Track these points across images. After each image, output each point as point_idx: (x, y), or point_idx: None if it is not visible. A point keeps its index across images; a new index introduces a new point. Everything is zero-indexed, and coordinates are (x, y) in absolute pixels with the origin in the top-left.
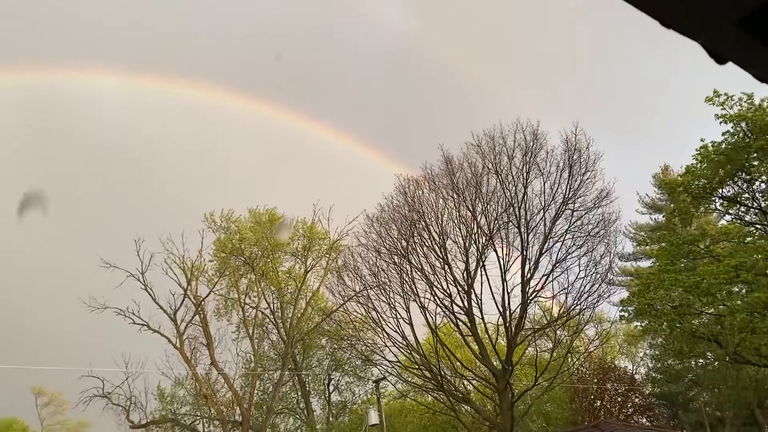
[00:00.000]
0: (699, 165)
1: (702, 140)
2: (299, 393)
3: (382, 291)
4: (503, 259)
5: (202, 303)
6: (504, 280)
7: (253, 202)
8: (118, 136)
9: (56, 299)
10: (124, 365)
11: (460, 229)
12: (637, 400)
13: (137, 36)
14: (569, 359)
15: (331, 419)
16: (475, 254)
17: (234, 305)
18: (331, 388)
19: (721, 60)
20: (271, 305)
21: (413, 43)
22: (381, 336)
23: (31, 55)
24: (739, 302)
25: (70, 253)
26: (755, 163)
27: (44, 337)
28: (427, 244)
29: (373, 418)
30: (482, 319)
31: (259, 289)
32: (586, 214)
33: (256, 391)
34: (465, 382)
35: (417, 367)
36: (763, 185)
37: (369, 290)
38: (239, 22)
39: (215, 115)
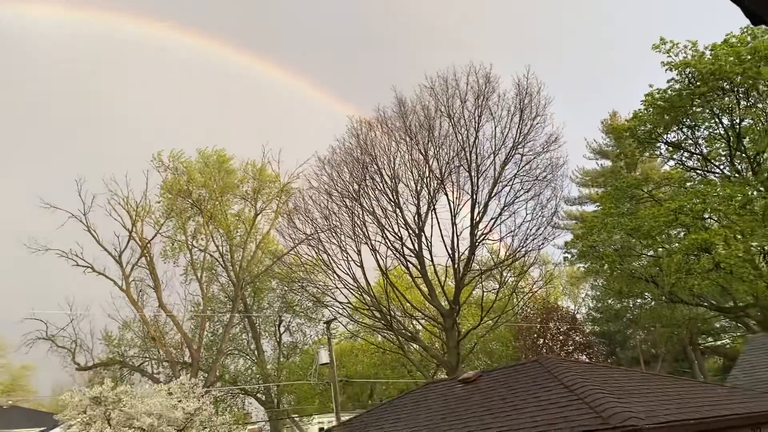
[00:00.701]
0: (645, 111)
1: (650, 86)
2: (249, 334)
3: (334, 234)
4: (454, 203)
5: (148, 245)
6: (454, 224)
7: (202, 143)
8: (56, 72)
9: None
10: (68, 307)
11: (412, 173)
12: (577, 338)
13: None
14: (514, 299)
15: (281, 359)
16: (427, 198)
17: (181, 247)
18: (282, 329)
19: (756, 20)
20: (220, 248)
21: None
22: (332, 278)
23: None
24: (676, 244)
25: (6, 192)
26: (698, 109)
27: None
28: (378, 187)
29: (324, 357)
30: (432, 261)
31: (208, 232)
32: (534, 158)
33: (206, 333)
34: (414, 322)
35: (367, 308)
36: (705, 132)
37: (320, 233)
38: None
39: (161, 52)
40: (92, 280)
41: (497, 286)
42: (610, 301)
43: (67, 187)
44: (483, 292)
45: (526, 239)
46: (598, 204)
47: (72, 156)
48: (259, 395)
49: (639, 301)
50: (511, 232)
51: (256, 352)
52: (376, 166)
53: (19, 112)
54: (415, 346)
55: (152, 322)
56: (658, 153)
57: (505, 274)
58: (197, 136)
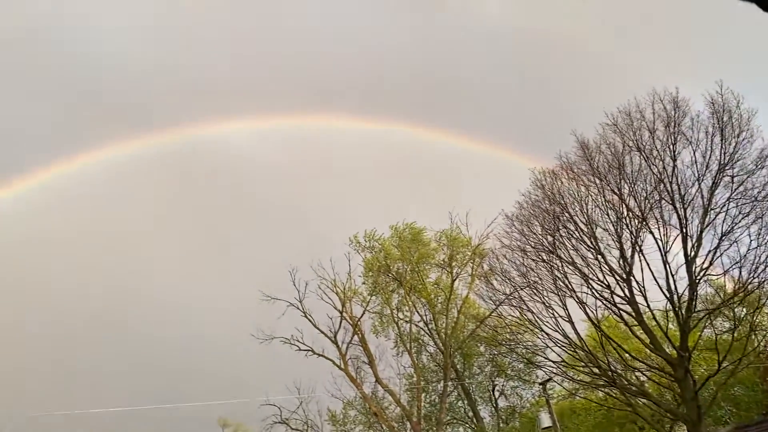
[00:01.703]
0: None
1: None
2: (465, 402)
3: (535, 290)
4: (662, 240)
5: (359, 323)
6: (666, 262)
7: (392, 219)
8: (257, 174)
9: (224, 333)
10: (297, 391)
11: (608, 215)
12: None
13: (247, 77)
14: (754, 337)
15: (501, 425)
16: (630, 239)
17: (389, 321)
18: (497, 394)
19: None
20: (424, 317)
21: (523, 26)
22: (540, 336)
23: (174, 117)
24: None
25: (232, 289)
26: None
27: (221, 370)
28: (574, 236)
29: (545, 420)
30: (648, 306)
31: (410, 303)
32: (748, 177)
33: (423, 404)
34: (638, 374)
35: (584, 364)
36: None
37: (520, 291)
38: (336, 41)
39: (338, 140)
40: (313, 362)
41: (730, 324)
42: None
43: (281, 278)
44: (715, 333)
45: (756, 268)
46: None
47: (283, 248)
48: None
49: None
50: (737, 263)
51: (474, 420)
52: (567, 215)
53: (236, 220)
54: (643, 400)
55: (372, 398)
56: None
57: (737, 310)
58: (387, 213)
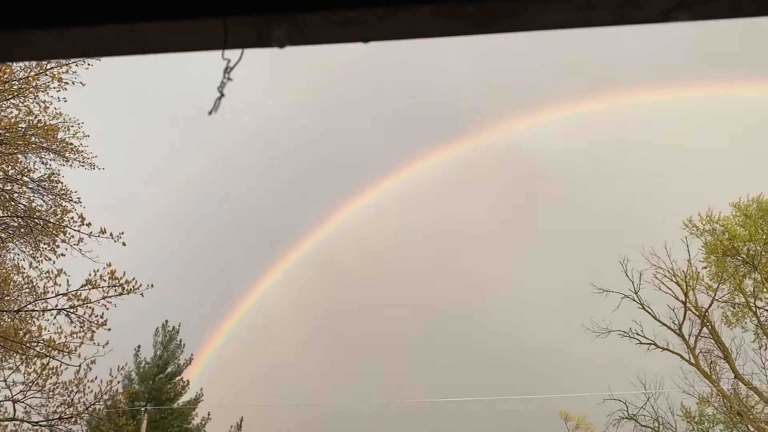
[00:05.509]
0: None
1: None
2: None
3: None
4: None
5: (706, 313)
6: None
7: (730, 195)
8: (564, 161)
9: (556, 328)
10: (642, 386)
11: None
12: None
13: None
14: None
15: None
16: None
17: (743, 311)
18: None
19: None
20: None
21: None
22: None
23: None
24: None
25: (554, 283)
26: None
27: (556, 364)
28: None
29: None
30: None
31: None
32: None
33: None
34: None
35: None
36: None
37: None
38: None
39: (652, 115)
40: (657, 356)
41: None
42: None
43: (612, 269)
44: None
45: None
46: None
47: (610, 239)
48: None
49: None
50: None
51: None
52: None
53: (558, 214)
54: None
55: (732, 395)
56: None
57: None
58: (723, 189)
